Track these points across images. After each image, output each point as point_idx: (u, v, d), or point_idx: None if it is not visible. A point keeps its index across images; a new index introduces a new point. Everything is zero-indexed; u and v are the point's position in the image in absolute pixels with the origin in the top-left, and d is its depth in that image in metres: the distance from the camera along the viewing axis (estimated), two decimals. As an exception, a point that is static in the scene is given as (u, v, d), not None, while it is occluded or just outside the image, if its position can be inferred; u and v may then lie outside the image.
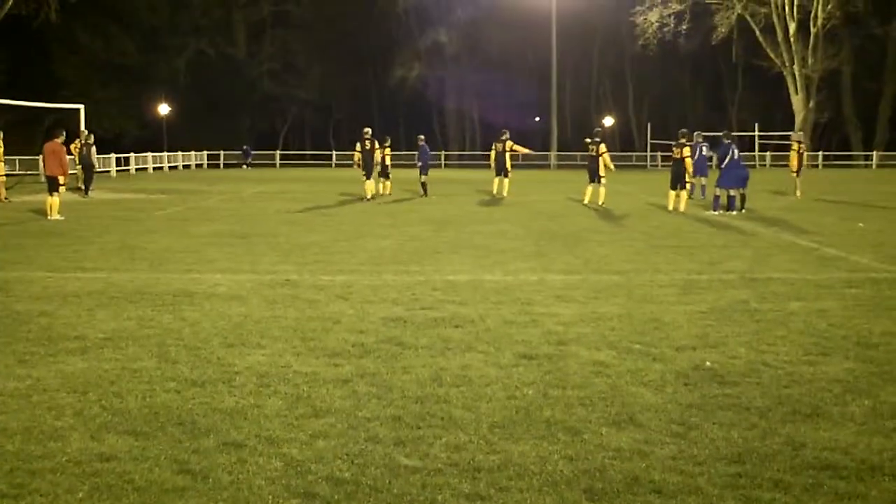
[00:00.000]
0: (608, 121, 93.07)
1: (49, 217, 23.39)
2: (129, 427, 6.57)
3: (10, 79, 65.48)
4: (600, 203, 27.25)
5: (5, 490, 5.46)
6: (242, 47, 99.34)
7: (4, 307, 11.13)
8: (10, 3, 53.30)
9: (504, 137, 32.84)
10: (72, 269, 14.47)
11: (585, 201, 28.44)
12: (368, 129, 32.06)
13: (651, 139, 76.06)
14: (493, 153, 33.46)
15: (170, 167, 66.75)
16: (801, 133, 36.02)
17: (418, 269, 14.43)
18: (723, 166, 25.47)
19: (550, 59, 73.56)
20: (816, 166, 70.65)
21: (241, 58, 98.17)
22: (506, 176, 32.91)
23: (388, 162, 33.89)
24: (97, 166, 34.61)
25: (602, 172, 27.72)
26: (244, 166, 75.01)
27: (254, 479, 5.62)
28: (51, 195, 23.80)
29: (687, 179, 26.07)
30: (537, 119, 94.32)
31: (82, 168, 34.60)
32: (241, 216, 24.78)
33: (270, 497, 5.38)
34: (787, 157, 50.32)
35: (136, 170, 59.89)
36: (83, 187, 34.11)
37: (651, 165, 74.40)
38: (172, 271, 14.28)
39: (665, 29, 70.67)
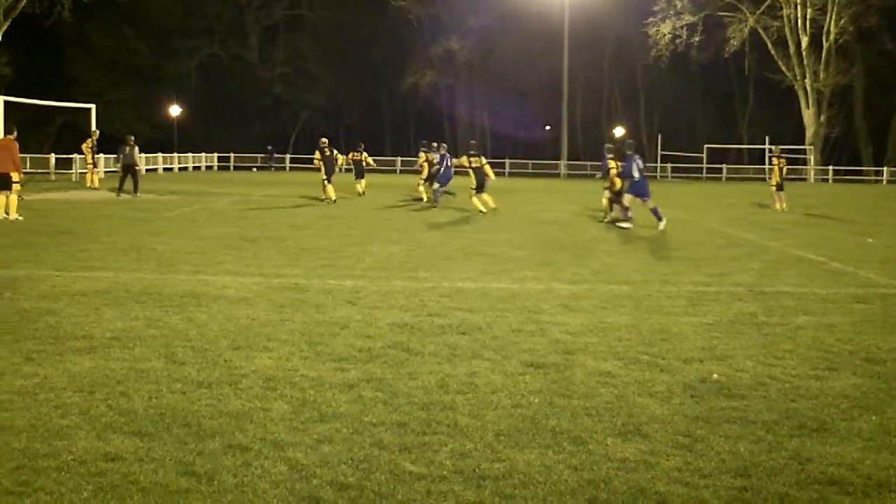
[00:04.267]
0: (619, 131, 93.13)
1: (0, 216, 23.10)
2: (135, 427, 6.58)
3: (22, 77, 65.64)
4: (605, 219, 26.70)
5: (10, 487, 5.47)
6: (255, 51, 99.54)
7: (12, 305, 11.15)
8: (24, 1, 53.41)
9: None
10: (80, 269, 14.49)
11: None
12: (325, 140, 34.38)
13: (661, 150, 76.06)
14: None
15: (180, 168, 66.86)
16: (779, 147, 35.72)
17: (426, 276, 14.43)
18: (636, 178, 24.39)
19: (562, 68, 73.59)
20: (826, 181, 70.58)
21: (253, 61, 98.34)
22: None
23: (369, 164, 39.20)
24: (141, 166, 34.72)
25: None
26: (271, 168, 74.86)
27: (258, 483, 5.62)
28: (4, 193, 23.48)
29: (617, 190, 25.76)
30: (548, 128, 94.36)
31: (123, 168, 34.71)
32: (250, 219, 24.81)
33: (275, 500, 5.38)
34: (796, 171, 50.17)
35: (147, 170, 59.91)
36: (121, 187, 34.12)
37: (661, 176, 74.33)
38: (180, 272, 14.30)
39: (677, 40, 70.66)
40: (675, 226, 25.07)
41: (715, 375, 8.33)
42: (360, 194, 36.26)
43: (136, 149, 34.91)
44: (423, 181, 33.20)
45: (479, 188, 28.88)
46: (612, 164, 25.64)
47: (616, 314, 11.35)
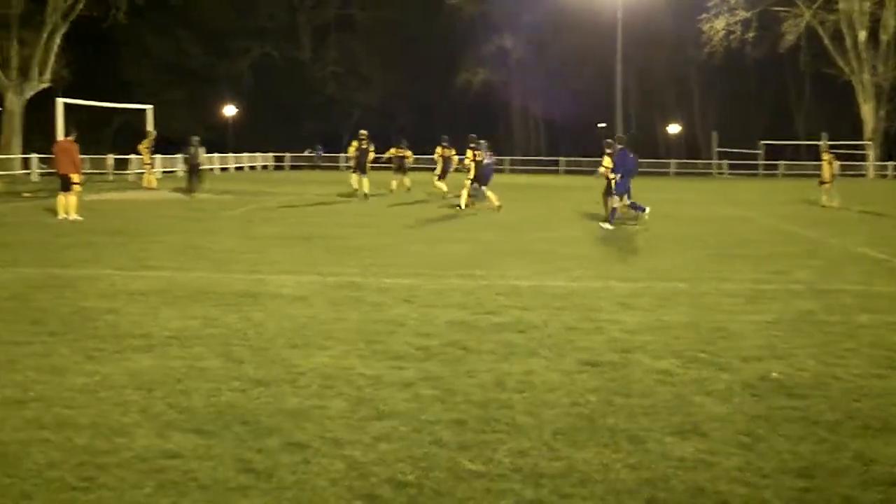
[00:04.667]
0: (674, 128, 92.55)
1: (60, 217, 23.35)
2: (195, 425, 6.63)
3: (80, 79, 66.30)
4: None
5: (74, 483, 5.54)
6: (307, 50, 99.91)
7: (73, 304, 11.28)
8: (81, 5, 54.00)
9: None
10: (138, 268, 14.63)
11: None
12: (364, 132, 34.78)
13: (717, 147, 75.47)
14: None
15: (235, 168, 67.27)
16: (827, 143, 35.16)
17: (482, 274, 14.41)
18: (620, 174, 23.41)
19: (615, 65, 73.23)
20: (885, 176, 69.64)
21: (305, 61, 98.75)
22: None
23: (409, 162, 39.53)
24: (206, 166, 35.22)
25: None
26: (316, 167, 74.11)
27: (316, 480, 5.64)
28: (63, 194, 23.76)
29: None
30: (602, 125, 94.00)
31: (190, 169, 35.18)
32: (305, 218, 24.91)
33: (333, 498, 5.39)
34: (854, 167, 49.51)
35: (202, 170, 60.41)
36: (190, 188, 34.55)
37: (717, 173, 73.77)
38: (237, 271, 14.39)
39: (731, 36, 69.99)
40: (733, 223, 24.89)
41: (775, 374, 8.24)
42: (407, 189, 36.75)
43: (201, 149, 35.21)
44: (468, 181, 32.50)
45: (482, 181, 28.79)
46: (607, 161, 24.81)
47: (673, 312, 11.28)
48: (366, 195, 33.13)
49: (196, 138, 35.50)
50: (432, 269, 14.87)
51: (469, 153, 28.65)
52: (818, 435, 6.60)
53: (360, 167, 34.20)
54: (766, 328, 10.29)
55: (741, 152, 75.87)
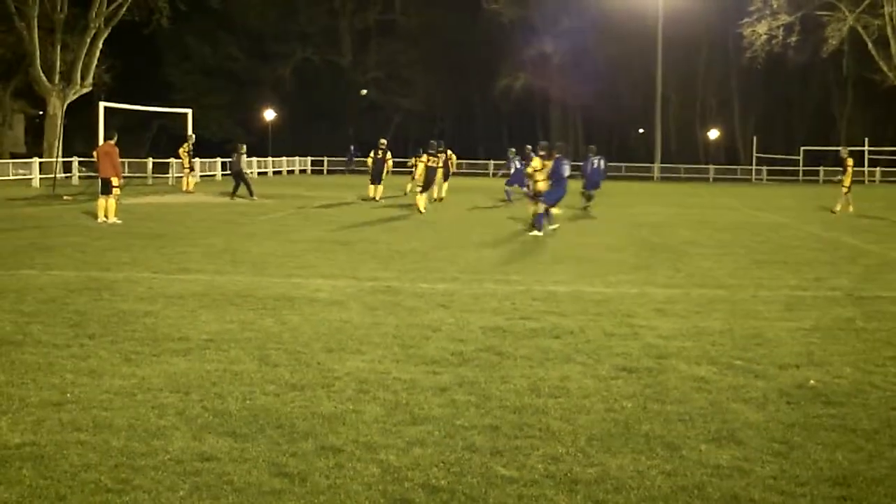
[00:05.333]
0: (713, 133, 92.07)
1: (100, 220, 23.55)
2: (230, 428, 6.66)
3: (122, 83, 66.90)
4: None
5: (110, 485, 5.58)
6: (348, 55, 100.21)
7: (111, 307, 11.37)
8: (124, 10, 54.51)
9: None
10: (176, 271, 14.73)
11: None
12: (384, 142, 35.62)
13: (757, 153, 75.04)
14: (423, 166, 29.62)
15: (274, 172, 67.52)
16: (848, 149, 34.51)
17: (518, 279, 14.40)
18: (553, 181, 22.59)
19: (656, 70, 73.05)
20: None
21: (346, 66, 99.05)
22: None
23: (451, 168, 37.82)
24: (248, 171, 35.56)
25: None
26: (348, 171, 72.13)
27: (351, 484, 5.65)
28: (104, 197, 23.96)
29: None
30: (641, 131, 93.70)
31: (233, 175, 35.61)
32: (343, 222, 24.98)
33: (367, 502, 5.41)
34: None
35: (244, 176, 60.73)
36: (231, 192, 34.96)
37: (756, 179, 73.35)
38: (274, 275, 14.45)
39: (773, 41, 69.47)
40: (771, 229, 24.75)
41: (812, 382, 8.19)
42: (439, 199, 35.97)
43: (243, 156, 35.43)
44: (417, 187, 31.27)
45: (426, 187, 28.81)
46: (536, 162, 24.39)
47: (710, 318, 11.22)
48: (376, 199, 33.90)
49: (241, 146, 35.74)
50: (468, 274, 14.88)
51: (424, 158, 28.57)
52: (855, 443, 6.55)
53: (376, 176, 35.06)
54: (804, 335, 10.22)
55: (781, 158, 75.40)
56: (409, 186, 36.81)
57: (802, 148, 75.16)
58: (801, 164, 74.76)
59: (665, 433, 6.71)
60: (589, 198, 30.83)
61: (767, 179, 73.29)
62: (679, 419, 7.05)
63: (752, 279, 14.85)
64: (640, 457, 6.22)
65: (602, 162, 32.16)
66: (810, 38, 69.74)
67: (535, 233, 21.86)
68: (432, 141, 29.85)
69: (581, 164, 32.31)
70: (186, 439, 6.42)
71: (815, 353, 9.36)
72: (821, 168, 72.41)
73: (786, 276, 15.31)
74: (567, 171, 23.11)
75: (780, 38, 68.38)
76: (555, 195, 22.67)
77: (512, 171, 36.22)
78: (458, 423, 6.87)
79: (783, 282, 14.59)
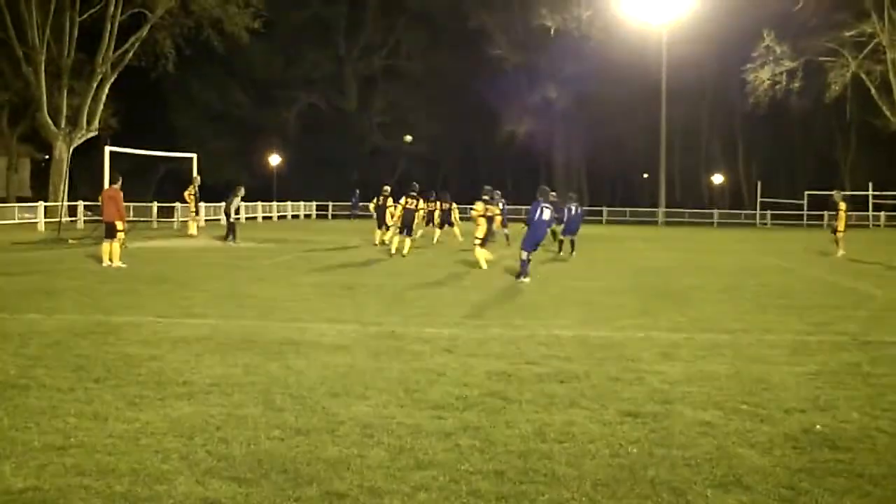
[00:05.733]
0: (717, 178, 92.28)
1: (104, 264, 23.50)
2: (234, 473, 6.64)
3: (127, 128, 67.31)
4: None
5: (112, 531, 5.55)
6: (353, 100, 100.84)
7: (116, 350, 11.36)
8: (130, 55, 54.92)
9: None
10: (181, 315, 14.72)
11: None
12: (387, 188, 35.18)
13: (761, 197, 75.17)
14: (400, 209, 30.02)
15: (279, 217, 67.72)
16: (841, 193, 34.48)
17: (523, 324, 14.38)
18: (529, 225, 21.99)
19: (660, 115, 73.35)
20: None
21: (351, 111, 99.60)
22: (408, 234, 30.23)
23: (454, 215, 38.45)
24: (232, 216, 35.37)
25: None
26: (352, 216, 70.69)
27: (355, 530, 5.63)
28: (108, 241, 23.93)
29: (478, 235, 25.44)
30: (645, 176, 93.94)
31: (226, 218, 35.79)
32: (347, 266, 25.00)
33: (371, 548, 5.38)
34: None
35: (246, 219, 60.98)
36: (224, 235, 34.97)
37: (761, 223, 73.45)
38: (279, 319, 14.44)
39: (777, 87, 69.88)
40: (776, 273, 24.73)
41: (818, 426, 8.15)
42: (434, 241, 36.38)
43: (236, 199, 35.27)
44: (396, 228, 30.95)
45: (405, 230, 28.70)
46: (478, 206, 25.00)
47: (716, 363, 11.19)
48: (383, 243, 33.53)
49: (239, 188, 35.58)
50: (473, 319, 14.87)
51: (403, 200, 28.59)
52: (863, 489, 6.52)
53: (380, 221, 34.77)
54: (810, 380, 10.18)
55: (785, 202, 75.53)
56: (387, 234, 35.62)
57: (807, 192, 75.29)
58: (805, 209, 74.88)
59: (671, 478, 6.68)
60: (561, 243, 30.73)
61: (772, 224, 73.45)
62: (685, 464, 7.02)
63: (757, 323, 14.82)
64: (645, 502, 6.20)
65: (579, 208, 31.93)
66: (813, 84, 70.13)
67: (523, 279, 21.27)
68: (414, 183, 29.94)
69: (560, 210, 32.02)
70: (190, 484, 6.40)
71: (821, 397, 9.32)
72: (825, 213, 72.49)
73: (791, 320, 15.27)
74: (546, 214, 21.98)
75: (784, 83, 68.80)
76: (530, 240, 21.83)
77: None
78: (463, 468, 6.84)
79: (788, 326, 14.56)
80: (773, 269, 26.08)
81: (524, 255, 21.63)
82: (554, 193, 30.36)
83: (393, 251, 28.34)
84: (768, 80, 70.00)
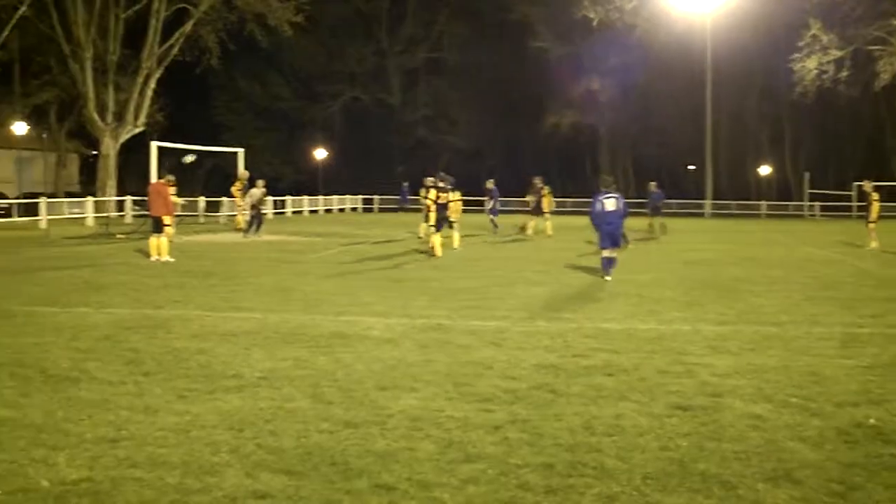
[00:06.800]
0: (764, 169, 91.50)
1: (152, 258, 23.69)
2: (284, 466, 6.68)
3: (173, 123, 67.83)
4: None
5: (165, 523, 5.60)
6: (397, 94, 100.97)
7: (165, 345, 11.46)
8: (176, 50, 55.25)
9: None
10: (228, 309, 14.82)
11: None
12: (430, 179, 30.73)
13: (809, 188, 74.44)
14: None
15: (325, 210, 67.90)
16: (872, 183, 33.78)
17: (571, 317, 14.35)
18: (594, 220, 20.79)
19: (705, 105, 72.78)
20: None
21: (394, 104, 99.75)
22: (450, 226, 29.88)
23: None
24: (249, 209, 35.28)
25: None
26: (401, 208, 70.93)
27: (405, 523, 5.64)
28: (156, 236, 24.14)
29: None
30: (691, 167, 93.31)
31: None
32: (394, 259, 25.03)
33: (422, 541, 5.39)
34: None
35: (293, 213, 61.24)
36: (245, 228, 35.02)
37: (809, 215, 72.74)
38: (326, 313, 14.49)
39: (824, 76, 69.08)
40: (824, 265, 24.50)
41: (871, 420, 8.07)
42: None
43: (254, 191, 35.03)
44: (430, 226, 29.32)
45: (439, 226, 27.00)
46: (431, 194, 25.84)
47: (764, 356, 11.11)
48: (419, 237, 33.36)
49: (259, 181, 35.37)
50: (520, 312, 14.84)
51: (433, 193, 26.97)
52: (917, 483, 6.45)
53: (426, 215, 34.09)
54: (861, 373, 10.09)
55: (833, 194, 74.73)
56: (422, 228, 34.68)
57: (855, 183, 74.45)
58: (853, 200, 74.07)
59: (721, 472, 6.64)
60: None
61: (820, 215, 72.65)
62: (735, 457, 6.97)
63: (806, 316, 14.70)
64: (696, 496, 6.16)
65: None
66: (861, 73, 69.25)
67: (605, 277, 20.36)
68: (440, 174, 28.92)
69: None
70: (240, 476, 6.44)
71: (873, 390, 9.24)
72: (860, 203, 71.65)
73: (840, 312, 15.13)
74: (610, 204, 20.52)
75: (831, 72, 67.92)
76: (601, 235, 20.78)
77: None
78: (512, 461, 6.84)
79: (837, 318, 14.42)
80: (821, 261, 25.85)
81: (603, 252, 20.78)
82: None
83: (437, 250, 26.60)
84: (815, 69, 69.20)
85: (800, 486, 6.38)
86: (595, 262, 22.31)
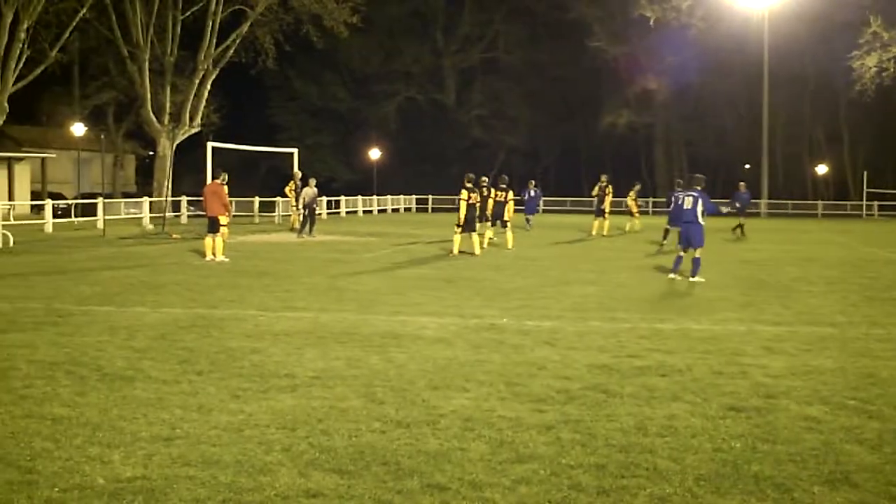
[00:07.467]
0: (821, 168, 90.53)
1: (207, 258, 23.83)
2: (336, 465, 6.69)
3: (229, 123, 68.45)
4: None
5: (218, 521, 5.63)
6: (452, 94, 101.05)
7: (219, 344, 11.53)
8: (231, 51, 55.68)
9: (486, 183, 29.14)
10: (282, 309, 14.89)
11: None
12: (485, 179, 29.92)
13: (867, 188, 73.55)
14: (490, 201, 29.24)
15: (379, 210, 68.09)
16: None
17: (624, 317, 14.28)
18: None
19: (761, 104, 72.15)
20: None
21: (450, 104, 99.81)
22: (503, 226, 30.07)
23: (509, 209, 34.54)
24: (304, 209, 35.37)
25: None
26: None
27: (456, 523, 5.63)
28: (211, 236, 24.27)
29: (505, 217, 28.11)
30: (747, 166, 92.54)
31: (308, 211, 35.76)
32: (447, 259, 25.02)
33: (472, 541, 5.38)
34: None
35: (347, 213, 61.44)
36: (299, 228, 35.20)
37: (867, 215, 71.86)
38: (380, 313, 14.52)
39: (884, 73, 68.20)
40: (883, 266, 24.20)
41: (929, 423, 7.96)
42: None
43: (307, 190, 35.08)
44: (457, 226, 27.46)
45: (466, 227, 26.44)
46: (463, 194, 25.99)
47: (821, 357, 10.99)
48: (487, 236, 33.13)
49: (310, 180, 35.47)
50: (573, 312, 14.79)
51: (464, 193, 26.26)
52: (977, 487, 6.34)
53: (482, 215, 33.86)
54: (920, 375, 9.95)
55: (892, 193, 73.75)
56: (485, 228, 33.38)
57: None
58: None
59: (776, 474, 6.57)
60: (667, 232, 29.96)
61: (879, 215, 71.76)
62: (790, 460, 6.90)
63: (864, 317, 14.52)
64: (749, 498, 6.10)
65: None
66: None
67: (697, 279, 19.75)
68: (470, 174, 27.57)
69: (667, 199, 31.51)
70: (293, 475, 6.46)
71: (932, 393, 9.11)
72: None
73: (899, 313, 14.94)
74: (687, 203, 20.06)
75: (892, 70, 66.99)
76: (682, 237, 20.64)
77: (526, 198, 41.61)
78: (564, 461, 6.81)
79: (896, 319, 14.25)
80: (880, 262, 25.53)
81: (679, 251, 20.70)
82: (680, 182, 29.75)
83: (477, 251, 26.44)
84: (875, 67, 68.34)
85: (857, 489, 6.29)
86: (650, 262, 22.17)
